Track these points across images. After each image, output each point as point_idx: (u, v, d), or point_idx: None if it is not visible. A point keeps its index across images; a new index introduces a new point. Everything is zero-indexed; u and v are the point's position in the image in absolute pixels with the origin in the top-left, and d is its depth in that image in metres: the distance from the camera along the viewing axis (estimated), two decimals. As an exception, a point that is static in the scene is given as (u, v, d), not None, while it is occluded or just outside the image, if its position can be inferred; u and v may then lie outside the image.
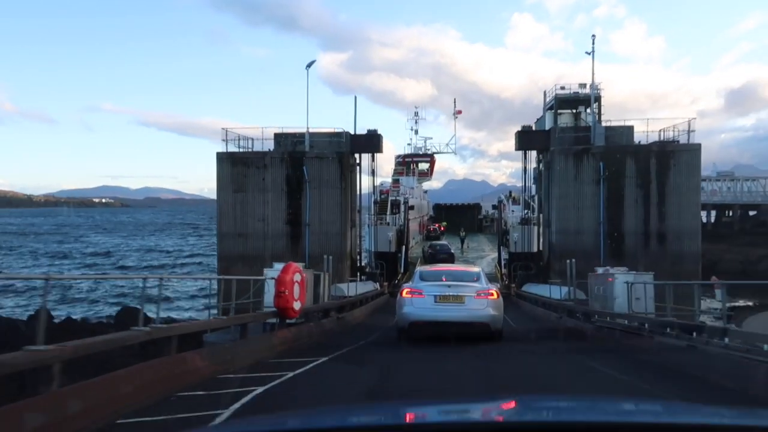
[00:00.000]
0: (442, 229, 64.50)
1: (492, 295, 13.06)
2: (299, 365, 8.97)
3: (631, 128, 32.07)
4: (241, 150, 32.41)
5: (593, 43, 31.87)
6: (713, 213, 64.39)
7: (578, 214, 30.72)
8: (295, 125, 33.39)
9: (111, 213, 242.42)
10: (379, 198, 46.98)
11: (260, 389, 7.14)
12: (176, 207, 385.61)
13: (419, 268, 15.86)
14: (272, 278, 11.49)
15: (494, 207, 59.63)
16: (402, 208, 47.56)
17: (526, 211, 44.89)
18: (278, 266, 12.80)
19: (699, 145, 30.59)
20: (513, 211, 50.80)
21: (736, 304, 34.64)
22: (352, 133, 33.26)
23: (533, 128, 37.33)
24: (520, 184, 61.89)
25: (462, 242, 53.85)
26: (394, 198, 49.90)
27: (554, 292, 20.17)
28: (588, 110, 52.74)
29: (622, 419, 2.21)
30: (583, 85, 56.98)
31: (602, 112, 36.20)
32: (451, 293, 12.85)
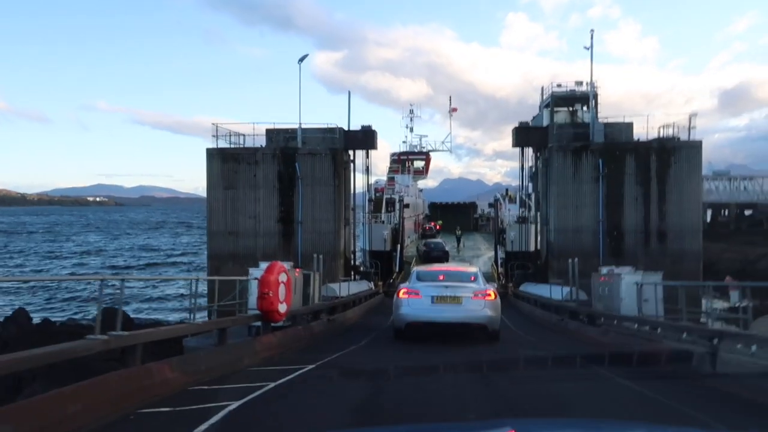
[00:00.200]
0: (438, 227, 64.02)
1: (489, 295, 12.95)
2: (282, 374, 8.19)
3: (630, 125, 31.35)
4: (232, 146, 31.60)
5: (592, 38, 31.16)
6: (709, 212, 64.02)
7: (577, 212, 30.03)
8: (287, 121, 32.58)
9: (104, 212, 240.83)
10: (373, 196, 46.34)
11: (235, 404, 6.34)
12: (171, 206, 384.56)
13: (416, 269, 15.71)
14: (256, 279, 10.68)
15: (491, 205, 59.09)
16: (397, 206, 46.95)
17: (522, 209, 44.35)
18: (265, 266, 12.06)
19: (700, 142, 29.93)
20: (509, 209, 50.29)
21: (738, 305, 34.11)
22: (346, 129, 32.49)
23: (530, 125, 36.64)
24: (515, 183, 61.48)
25: (458, 241, 53.37)
26: (389, 196, 49.26)
27: (555, 292, 19.42)
28: (585, 108, 52.21)
29: None
30: (579, 83, 56.43)
31: (598, 111, 35.52)
32: (448, 294, 12.75)
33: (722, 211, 64.92)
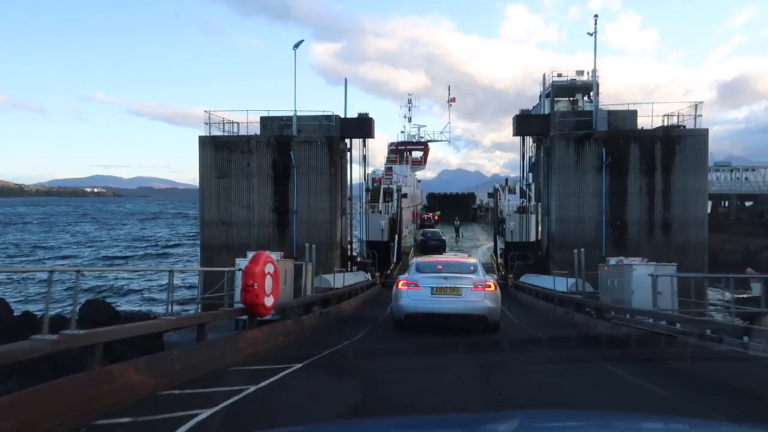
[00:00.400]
0: (437, 218, 63.53)
1: (489, 286, 12.94)
2: (266, 375, 7.41)
3: (634, 113, 30.52)
4: (226, 134, 30.77)
5: (595, 23, 30.23)
6: (709, 203, 63.45)
7: (579, 202, 29.27)
8: (283, 109, 31.68)
9: (102, 202, 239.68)
10: (371, 186, 45.67)
11: (206, 413, 5.57)
12: (169, 196, 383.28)
13: (415, 260, 15.64)
14: (241, 270, 9.88)
15: (490, 195, 58.41)
16: (395, 196, 46.27)
17: (522, 200, 43.70)
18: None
19: (706, 131, 29.11)
20: (509, 200, 49.67)
21: (740, 296, 33.46)
22: (343, 117, 31.64)
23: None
24: (513, 174, 61.05)
25: (456, 232, 52.94)
26: (386, 186, 48.60)
27: (559, 283, 18.65)
28: (586, 98, 51.55)
29: None
30: (580, 72, 55.74)
31: (599, 100, 34.69)
32: (447, 285, 12.73)
33: (722, 202, 64.42)
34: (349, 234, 34.28)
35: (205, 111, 30.40)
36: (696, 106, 29.18)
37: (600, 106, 31.05)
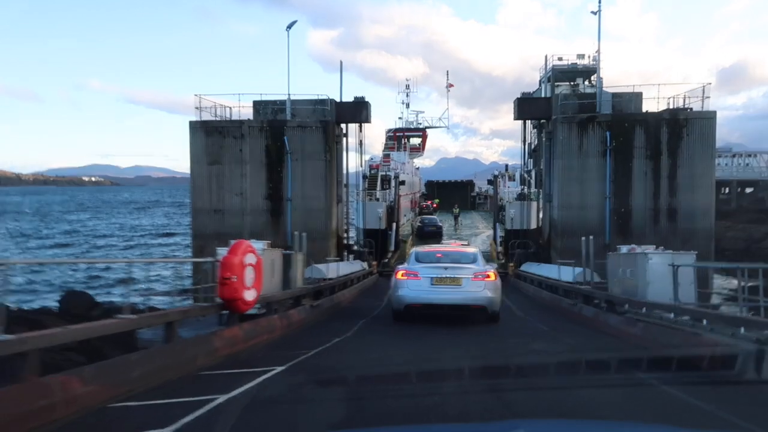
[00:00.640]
0: (435, 206, 62.92)
1: (489, 276, 12.83)
2: (241, 380, 6.50)
3: (639, 95, 29.48)
4: (217, 119, 29.77)
5: (600, 1, 29.05)
6: (710, 190, 62.77)
7: (582, 188, 28.31)
8: (275, 92, 30.70)
9: (98, 191, 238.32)
10: (368, 173, 44.85)
11: (160, 434, 4.67)
12: (167, 185, 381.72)
13: (414, 249, 15.38)
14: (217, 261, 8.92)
15: (489, 182, 57.60)
16: (393, 183, 45.42)
17: (522, 186, 42.90)
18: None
19: (714, 113, 28.11)
20: (508, 187, 48.89)
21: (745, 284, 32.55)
22: (338, 101, 30.61)
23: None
24: (512, 162, 60.33)
25: (455, 219, 52.30)
26: (384, 173, 47.73)
27: (564, 273, 17.74)
28: (587, 82, 50.52)
29: None
30: (581, 56, 54.60)
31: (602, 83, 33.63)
32: (447, 275, 12.60)
33: (722, 188, 63.72)
34: (346, 222, 33.41)
35: (196, 95, 29.37)
36: (704, 87, 28.19)
37: (604, 89, 30.00)
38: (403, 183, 48.82)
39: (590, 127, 28.28)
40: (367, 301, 19.44)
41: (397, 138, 64.56)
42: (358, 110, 30.97)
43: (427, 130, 69.57)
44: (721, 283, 28.62)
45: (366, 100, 31.55)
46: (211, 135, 29.29)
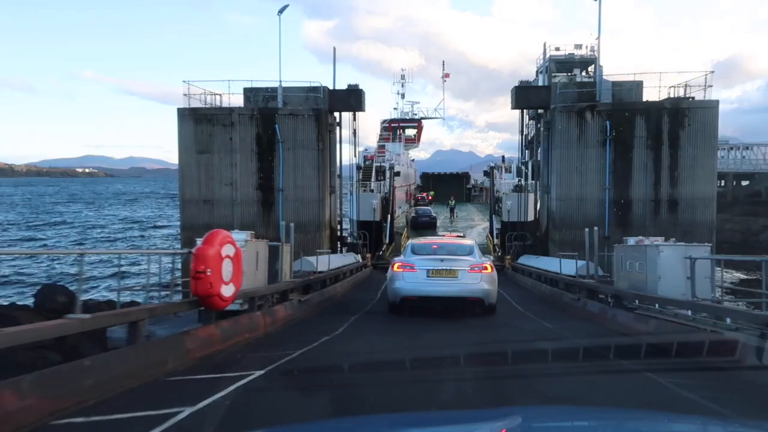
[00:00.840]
0: (430, 198, 62.41)
1: (486, 269, 12.83)
2: (213, 388, 5.72)
3: (640, 84, 28.73)
4: (207, 106, 28.88)
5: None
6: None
7: (581, 179, 27.62)
8: (267, 78, 29.79)
9: (92, 183, 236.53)
10: (363, 164, 44.11)
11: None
12: (161, 177, 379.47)
13: (411, 241, 15.31)
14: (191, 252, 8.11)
15: (486, 173, 56.99)
16: (387, 174, 44.68)
17: (518, 178, 42.32)
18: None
19: (717, 102, 27.41)
20: (504, 179, 48.32)
21: (743, 277, 32.07)
22: (331, 88, 29.75)
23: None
24: (507, 155, 59.76)
25: (451, 212, 51.73)
26: (379, 164, 47.00)
27: (566, 266, 17.01)
28: (584, 73, 49.79)
29: None
30: (578, 46, 53.86)
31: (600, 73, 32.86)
32: (444, 267, 12.60)
33: (719, 181, 63.33)
34: (339, 213, 32.66)
35: (184, 81, 28.46)
36: (706, 76, 27.49)
37: (603, 77, 29.25)
38: (398, 174, 48.08)
39: (590, 117, 27.57)
40: (360, 295, 18.69)
41: (392, 129, 63.78)
42: (352, 98, 30.14)
43: (422, 121, 68.83)
44: (721, 277, 28.01)
45: (360, 88, 30.72)
46: (200, 123, 28.44)
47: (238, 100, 29.44)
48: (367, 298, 17.23)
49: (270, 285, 11.59)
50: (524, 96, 30.28)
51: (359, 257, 29.14)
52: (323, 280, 16.76)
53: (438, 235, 33.84)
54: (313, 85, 29.20)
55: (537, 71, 52.96)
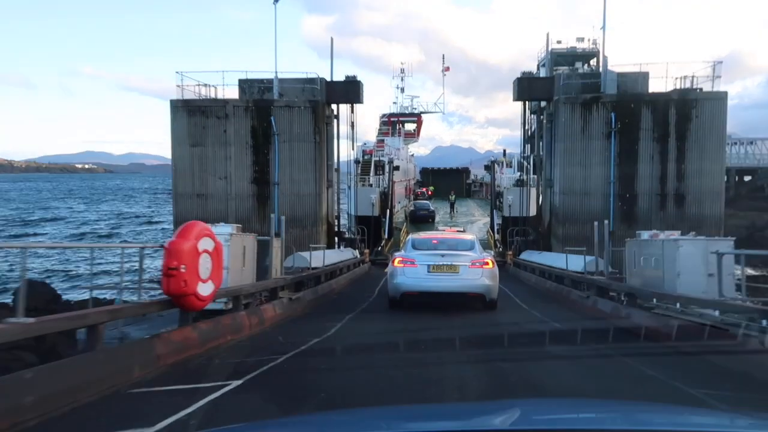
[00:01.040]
0: (430, 193, 61.81)
1: (487, 264, 12.81)
2: (181, 402, 4.95)
3: (646, 75, 27.91)
4: (200, 98, 28.09)
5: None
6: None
7: (585, 172, 26.88)
8: (262, 69, 28.97)
9: (91, 178, 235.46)
10: (362, 158, 43.38)
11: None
12: (161, 172, 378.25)
13: (411, 237, 15.16)
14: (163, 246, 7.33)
15: (486, 168, 56.29)
16: (387, 168, 43.93)
17: (520, 173, 41.58)
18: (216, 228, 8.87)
19: (725, 93, 26.66)
20: (505, 173, 47.69)
21: (750, 273, 31.37)
22: (329, 80, 28.95)
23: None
24: (508, 150, 59.04)
25: (451, 207, 51.07)
26: (378, 158, 46.24)
27: (573, 262, 16.24)
28: (586, 66, 49.01)
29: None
30: (580, 39, 53.02)
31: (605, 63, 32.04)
32: (444, 263, 12.53)
33: (722, 176, 62.80)
34: (337, 208, 31.90)
35: (177, 72, 27.66)
36: (714, 66, 26.69)
37: (608, 68, 28.44)
38: (397, 168, 47.33)
39: (594, 108, 26.81)
40: (357, 292, 17.94)
41: (391, 123, 62.96)
42: (350, 90, 29.34)
43: (422, 115, 68.06)
44: (742, 273, 27.33)
45: (358, 79, 29.92)
46: (194, 115, 27.66)
47: (233, 93, 28.70)
48: (363, 295, 16.49)
49: (257, 282, 10.82)
50: (526, 87, 29.47)
51: (357, 253, 28.40)
52: (317, 277, 16.00)
53: (436, 229, 33.19)
54: (309, 76, 28.42)
55: (538, 65, 52.16)
